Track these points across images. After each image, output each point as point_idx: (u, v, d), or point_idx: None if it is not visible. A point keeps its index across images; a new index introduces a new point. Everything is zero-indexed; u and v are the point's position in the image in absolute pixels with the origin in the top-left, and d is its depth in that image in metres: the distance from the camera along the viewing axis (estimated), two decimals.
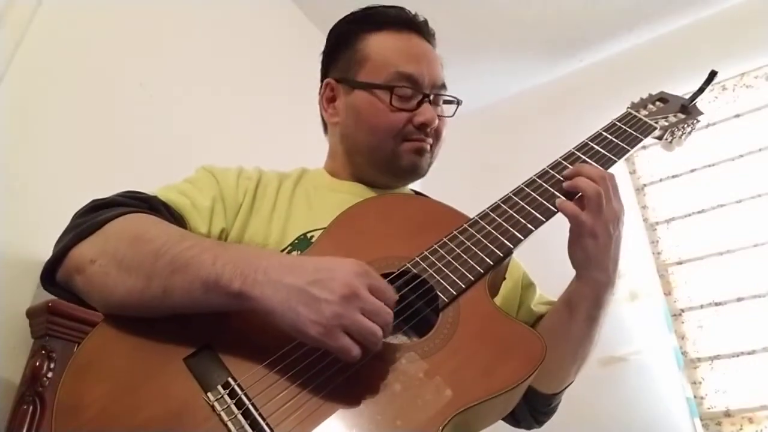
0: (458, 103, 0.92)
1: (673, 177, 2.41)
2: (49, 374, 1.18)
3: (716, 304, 2.13)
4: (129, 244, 0.63)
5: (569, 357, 0.78)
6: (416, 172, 0.89)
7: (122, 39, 1.77)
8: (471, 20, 2.61)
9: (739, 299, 2.08)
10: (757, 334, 2.00)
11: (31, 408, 1.15)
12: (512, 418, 0.85)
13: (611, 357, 2.16)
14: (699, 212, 2.29)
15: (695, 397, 2.04)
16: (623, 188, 2.66)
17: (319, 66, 0.99)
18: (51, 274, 0.67)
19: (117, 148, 1.64)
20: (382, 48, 0.88)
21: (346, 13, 0.96)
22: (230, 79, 2.11)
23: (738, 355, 2.01)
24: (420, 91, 0.86)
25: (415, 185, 1.01)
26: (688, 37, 2.53)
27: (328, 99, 0.93)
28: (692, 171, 2.36)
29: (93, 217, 0.68)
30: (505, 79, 2.98)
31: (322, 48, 0.98)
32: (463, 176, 2.61)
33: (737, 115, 2.35)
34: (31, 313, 1.27)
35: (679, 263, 2.27)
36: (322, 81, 0.96)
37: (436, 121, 0.86)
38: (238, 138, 2.01)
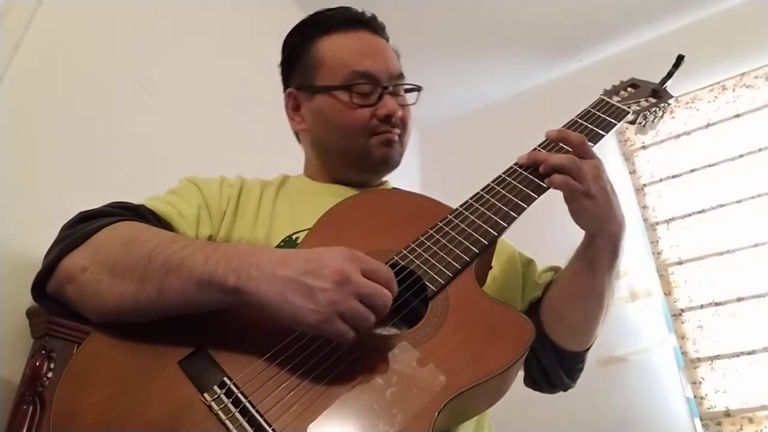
0: (418, 89, 0.94)
1: (673, 177, 2.41)
2: (49, 374, 1.18)
3: (716, 304, 2.13)
4: (120, 249, 0.63)
5: (597, 310, 0.80)
6: (389, 164, 0.91)
7: (122, 39, 1.77)
8: (471, 20, 2.61)
9: (739, 299, 2.08)
10: (757, 334, 2.00)
11: (31, 408, 1.15)
12: (548, 385, 0.87)
13: (611, 357, 2.16)
14: (699, 212, 2.29)
15: (695, 397, 2.04)
16: (623, 188, 2.65)
17: None
18: (41, 287, 0.66)
19: (117, 148, 1.64)
20: (334, 49, 0.90)
21: None
22: (231, 79, 2.11)
23: (738, 355, 2.01)
24: (379, 85, 0.87)
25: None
26: (688, 37, 2.54)
27: (293, 108, 0.95)
28: (692, 171, 2.37)
29: (81, 227, 0.68)
30: (505, 79, 2.98)
31: None
32: (463, 176, 2.60)
33: (737, 115, 2.35)
34: (31, 313, 1.27)
35: (679, 263, 2.27)
36: (284, 93, 0.98)
37: (399, 112, 0.88)
38: (239, 138, 2.01)
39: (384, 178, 0.99)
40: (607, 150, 0.72)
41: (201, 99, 1.96)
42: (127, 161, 1.62)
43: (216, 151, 1.86)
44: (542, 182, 0.75)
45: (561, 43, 2.77)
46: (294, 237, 0.79)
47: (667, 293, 2.25)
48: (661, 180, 2.44)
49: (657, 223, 2.39)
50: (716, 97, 2.42)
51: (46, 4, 1.54)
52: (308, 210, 0.81)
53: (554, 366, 0.84)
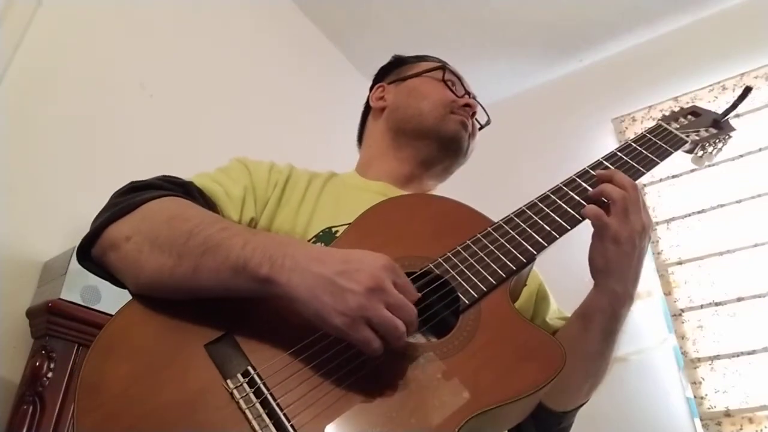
0: (488, 121, 1.07)
1: (673, 177, 2.41)
2: (49, 374, 1.18)
3: (716, 304, 2.12)
4: (164, 223, 0.64)
5: (581, 373, 0.75)
6: (458, 143, 0.96)
7: (122, 39, 1.77)
8: (471, 20, 2.61)
9: (739, 299, 2.08)
10: (757, 334, 2.00)
11: (31, 408, 1.15)
12: None
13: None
14: (699, 212, 2.29)
15: (695, 397, 2.04)
16: None
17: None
18: (86, 250, 0.68)
19: (117, 148, 1.64)
20: (431, 64, 1.05)
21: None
22: (230, 78, 2.11)
23: (738, 355, 2.01)
24: (464, 88, 1.01)
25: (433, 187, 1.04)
26: (688, 37, 2.53)
27: (377, 98, 1.05)
28: (692, 171, 2.36)
29: (131, 197, 0.69)
30: (505, 79, 2.98)
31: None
32: (463, 176, 2.60)
33: (737, 115, 2.34)
34: (31, 313, 1.27)
35: (679, 263, 2.27)
36: (371, 89, 1.09)
37: (477, 108, 1.00)
38: (238, 138, 2.01)
39: (434, 188, 1.03)
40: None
41: (201, 99, 1.96)
42: (127, 161, 1.62)
43: (216, 152, 1.85)
44: None
45: (561, 43, 2.77)
46: (333, 230, 0.79)
47: (667, 293, 2.25)
48: (661, 180, 2.44)
49: (657, 223, 2.38)
50: (716, 97, 2.42)
51: (46, 4, 1.55)
52: (351, 204, 0.81)
53: (527, 422, 0.73)
